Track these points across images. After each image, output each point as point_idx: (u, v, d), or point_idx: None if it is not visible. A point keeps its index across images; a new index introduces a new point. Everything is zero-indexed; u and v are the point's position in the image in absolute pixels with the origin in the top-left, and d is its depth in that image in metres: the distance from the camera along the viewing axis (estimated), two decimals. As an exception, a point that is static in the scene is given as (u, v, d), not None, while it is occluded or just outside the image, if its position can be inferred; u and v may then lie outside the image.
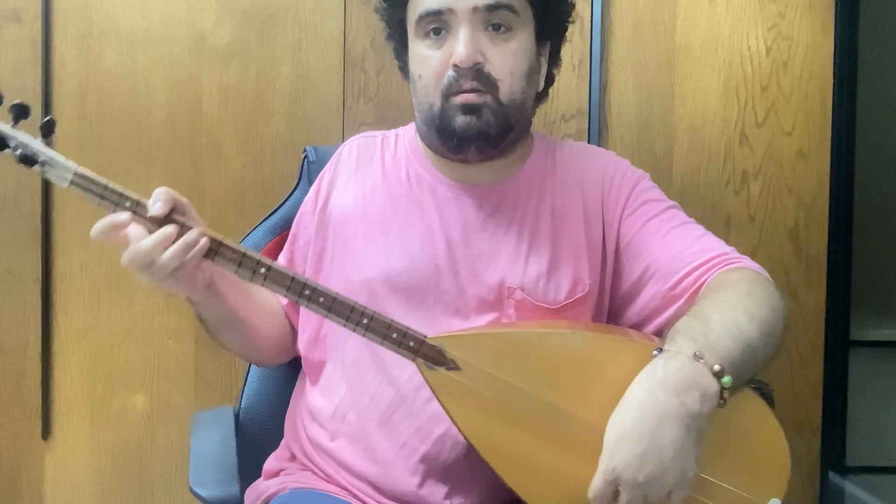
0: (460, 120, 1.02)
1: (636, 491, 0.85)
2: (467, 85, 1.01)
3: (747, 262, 1.05)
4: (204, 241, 0.91)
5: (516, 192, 1.10)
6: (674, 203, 1.13)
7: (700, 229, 1.10)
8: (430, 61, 1.04)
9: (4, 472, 1.64)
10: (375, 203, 1.11)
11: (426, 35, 1.04)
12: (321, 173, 1.18)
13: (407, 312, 1.04)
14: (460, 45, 1.00)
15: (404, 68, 1.13)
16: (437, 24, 1.03)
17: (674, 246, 1.07)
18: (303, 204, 1.18)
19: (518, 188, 1.11)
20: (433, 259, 1.06)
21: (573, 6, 1.14)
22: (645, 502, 0.86)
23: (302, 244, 1.16)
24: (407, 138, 1.17)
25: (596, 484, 0.87)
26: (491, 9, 1.01)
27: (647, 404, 0.86)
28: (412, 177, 1.12)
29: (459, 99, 1.02)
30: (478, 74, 1.01)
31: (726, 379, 0.87)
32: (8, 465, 1.64)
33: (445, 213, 1.09)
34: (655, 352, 0.90)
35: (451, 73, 1.02)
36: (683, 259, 1.05)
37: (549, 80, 1.14)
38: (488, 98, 1.02)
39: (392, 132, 1.19)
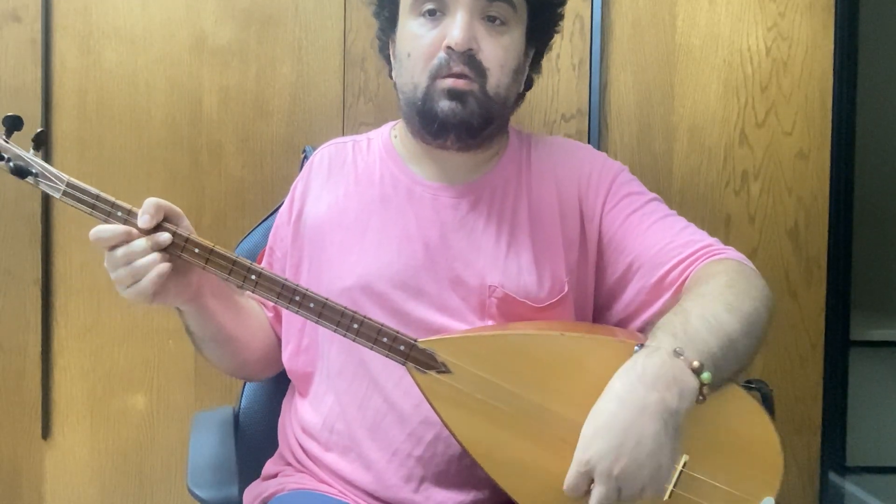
0: (444, 105, 1.01)
1: (610, 484, 0.84)
2: (457, 69, 1.00)
3: (731, 252, 1.04)
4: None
5: (492, 189, 1.09)
6: (655, 196, 1.12)
7: (682, 221, 1.09)
8: (421, 40, 1.03)
9: (4, 472, 1.64)
10: (349, 209, 1.10)
11: (420, 14, 1.03)
12: (294, 184, 1.17)
13: (389, 316, 1.03)
14: (456, 28, 0.99)
15: (385, 48, 1.12)
16: (434, 5, 1.02)
17: (658, 240, 1.06)
18: (278, 216, 1.18)
19: (494, 185, 1.10)
20: (412, 262, 1.05)
21: (563, 16, 1.14)
22: (618, 497, 0.85)
23: (279, 256, 1.15)
24: (381, 140, 1.15)
25: (570, 475, 0.86)
26: None
27: (625, 398, 0.85)
28: (386, 178, 1.11)
29: (447, 83, 1.01)
30: (469, 60, 1.00)
31: (705, 375, 0.86)
32: (8, 465, 1.64)
33: (422, 214, 1.08)
34: (636, 347, 0.90)
35: (442, 55, 1.01)
36: (668, 252, 1.04)
37: (528, 83, 1.14)
38: (475, 87, 1.01)
39: (364, 137, 1.18)
